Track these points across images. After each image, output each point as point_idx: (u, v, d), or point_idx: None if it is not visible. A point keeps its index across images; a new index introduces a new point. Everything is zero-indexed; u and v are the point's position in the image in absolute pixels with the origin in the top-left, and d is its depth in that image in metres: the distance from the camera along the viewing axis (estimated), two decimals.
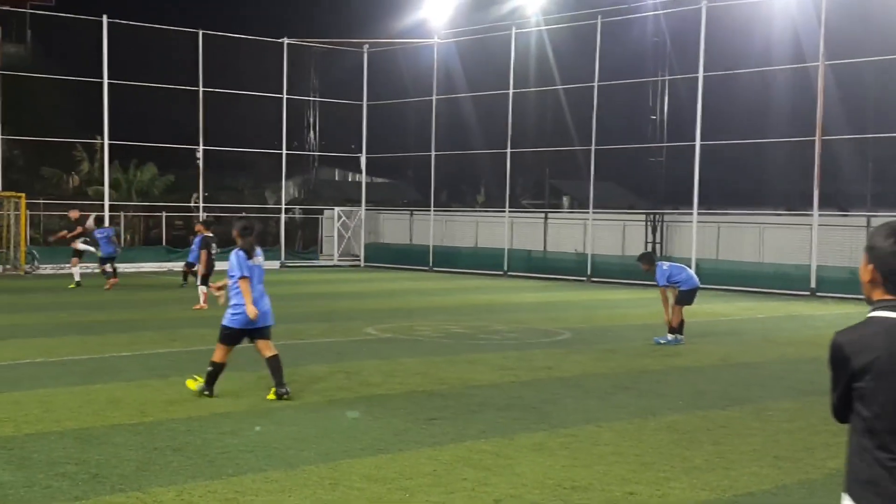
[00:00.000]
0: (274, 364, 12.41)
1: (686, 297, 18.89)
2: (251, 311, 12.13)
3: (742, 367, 16.09)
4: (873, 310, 4.12)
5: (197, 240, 31.48)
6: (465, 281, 37.05)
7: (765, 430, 11.17)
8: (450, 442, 10.26)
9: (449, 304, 27.28)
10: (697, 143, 34.75)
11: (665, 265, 19.13)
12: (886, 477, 3.93)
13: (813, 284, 31.97)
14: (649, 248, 37.44)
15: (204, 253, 23.96)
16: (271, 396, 12.29)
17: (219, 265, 21.08)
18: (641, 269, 19.58)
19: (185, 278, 30.74)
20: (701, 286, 19.58)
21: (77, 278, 29.82)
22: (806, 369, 15.95)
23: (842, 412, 4.12)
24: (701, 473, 9.26)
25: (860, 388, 3.99)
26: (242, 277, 12.24)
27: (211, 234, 24.60)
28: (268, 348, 12.47)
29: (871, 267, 4.12)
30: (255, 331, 12.41)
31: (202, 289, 23.73)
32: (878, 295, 4.12)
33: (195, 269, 30.59)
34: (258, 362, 15.16)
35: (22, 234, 36.72)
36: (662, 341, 18.72)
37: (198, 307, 23.70)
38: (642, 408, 12.34)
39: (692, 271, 19.62)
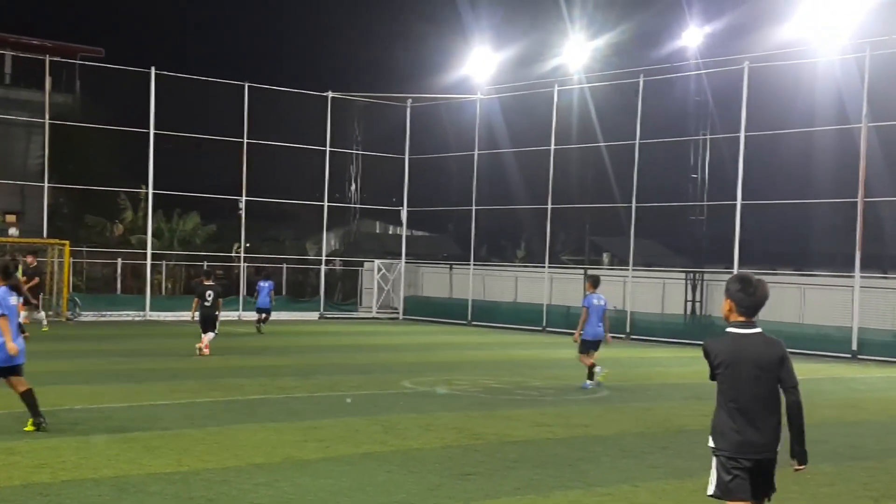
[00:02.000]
0: (29, 398, 13.02)
1: (584, 345, 20.31)
2: (11, 347, 12.87)
3: (781, 429, 15.88)
4: (728, 328, 7.13)
5: (269, 285, 32.83)
6: (503, 336, 36.96)
7: (804, 494, 11.02)
8: (484, 498, 10.21)
9: (487, 358, 27.22)
10: (738, 202, 34.64)
11: (595, 301, 20.30)
12: (729, 410, 7.00)
13: (854, 347, 31.62)
14: (688, 308, 37.32)
15: (197, 301, 24.81)
16: (29, 427, 12.90)
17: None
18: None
19: (260, 324, 32.93)
20: (602, 339, 20.70)
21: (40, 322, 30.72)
22: (846, 433, 15.76)
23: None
24: None
25: (718, 373, 7.07)
26: (3, 315, 12.87)
27: (212, 283, 25.03)
28: (21, 384, 13.04)
29: (727, 300, 7.12)
30: (13, 367, 13.03)
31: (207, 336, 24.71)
32: (733, 318, 7.12)
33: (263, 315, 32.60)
34: (299, 414, 15.18)
35: (65, 281, 37.11)
36: (586, 385, 20.08)
37: (205, 351, 24.34)
38: (680, 468, 12.22)
39: (601, 328, 20.46)
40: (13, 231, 38.77)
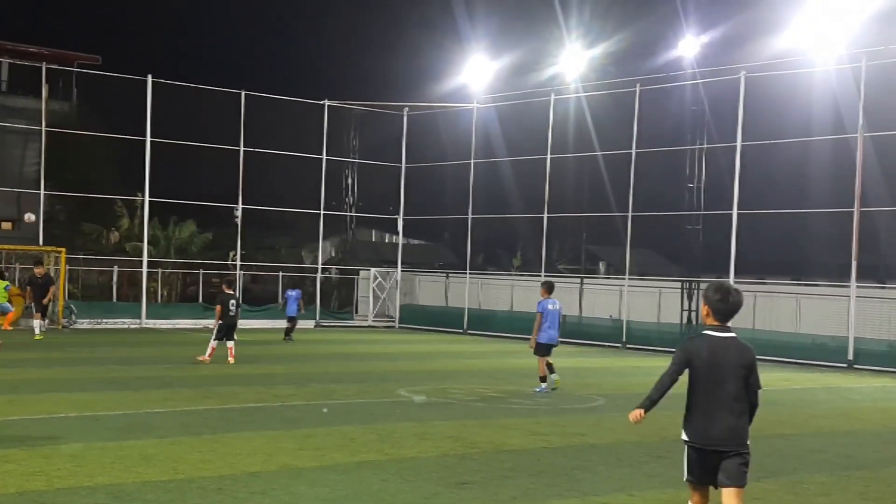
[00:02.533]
0: None
1: (540, 349, 20.95)
2: None
3: (777, 439, 15.90)
4: (704, 330, 8.02)
5: (296, 294, 33.32)
6: (499, 345, 36.95)
7: None
8: None
9: (483, 367, 27.20)
10: (735, 211, 34.69)
11: (550, 306, 21.09)
12: (701, 405, 7.86)
13: (850, 357, 31.64)
14: (684, 317, 37.31)
15: (219, 308, 24.66)
16: None
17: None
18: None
19: (288, 334, 33.69)
20: (558, 344, 21.55)
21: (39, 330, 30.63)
22: (842, 443, 15.76)
23: (673, 379, 7.95)
24: None
25: (693, 369, 7.88)
26: None
27: (233, 292, 25.01)
28: None
29: (705, 306, 8.01)
30: None
31: (214, 343, 24.71)
32: (709, 321, 7.99)
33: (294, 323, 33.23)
34: (294, 422, 15.14)
35: (61, 288, 37.06)
36: (538, 390, 20.69)
37: (202, 359, 24.53)
38: (676, 477, 12.17)
39: (556, 332, 21.22)
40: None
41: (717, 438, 7.82)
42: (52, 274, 35.89)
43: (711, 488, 8.02)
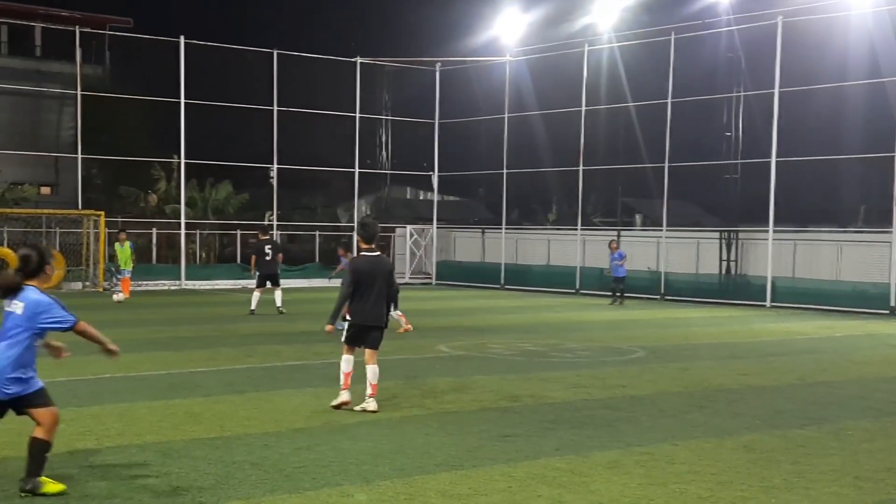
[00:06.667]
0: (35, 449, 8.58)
1: None
2: None
3: (820, 386, 15.86)
4: (361, 252, 13.00)
5: (618, 254, 33.74)
6: (536, 299, 36.95)
7: (844, 450, 11.00)
8: (524, 459, 10.25)
9: (521, 321, 27.23)
10: (773, 159, 34.36)
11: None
12: (360, 300, 12.71)
13: (892, 303, 31.40)
14: (723, 267, 37.04)
15: None
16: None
17: None
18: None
19: (618, 298, 34.08)
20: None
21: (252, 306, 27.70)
22: (885, 389, 15.69)
23: (350, 290, 12.68)
24: (780, 493, 9.14)
25: (357, 276, 12.62)
26: None
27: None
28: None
29: (358, 236, 13.14)
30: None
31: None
32: (363, 245, 12.87)
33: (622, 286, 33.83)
34: (334, 380, 15.24)
35: (101, 251, 37.38)
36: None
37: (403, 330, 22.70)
38: (718, 427, 12.22)
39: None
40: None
41: (370, 319, 12.58)
42: (91, 237, 36.08)
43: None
